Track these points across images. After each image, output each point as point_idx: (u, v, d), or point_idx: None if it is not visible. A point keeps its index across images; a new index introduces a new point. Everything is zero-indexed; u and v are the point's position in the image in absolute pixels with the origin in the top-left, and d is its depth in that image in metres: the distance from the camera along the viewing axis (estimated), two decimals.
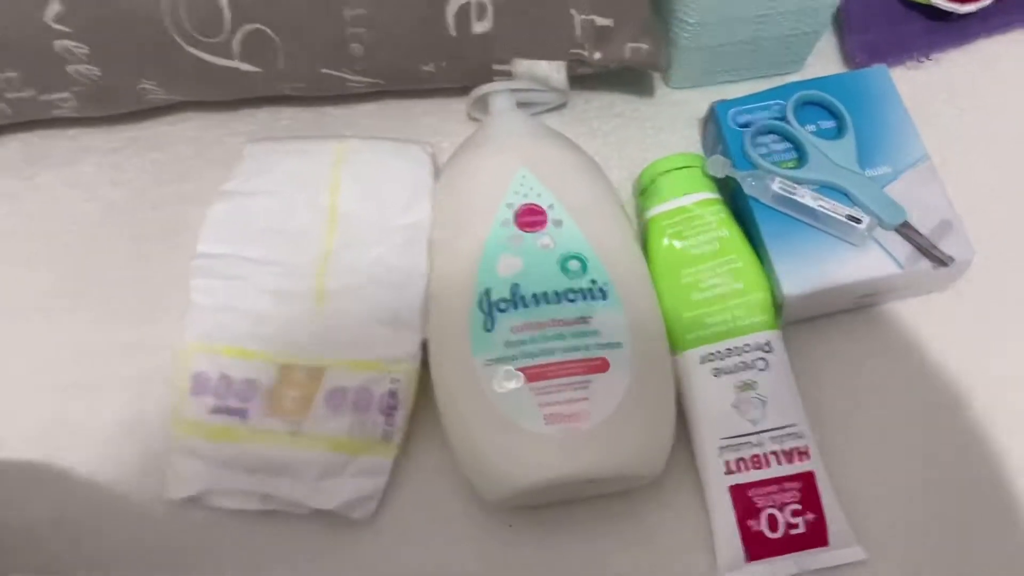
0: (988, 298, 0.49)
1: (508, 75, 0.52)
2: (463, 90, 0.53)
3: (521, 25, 0.49)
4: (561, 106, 0.55)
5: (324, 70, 0.50)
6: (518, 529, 0.45)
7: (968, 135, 0.54)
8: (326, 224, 0.48)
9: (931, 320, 0.49)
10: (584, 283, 0.44)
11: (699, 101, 0.55)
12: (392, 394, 0.45)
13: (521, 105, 0.52)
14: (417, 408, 0.46)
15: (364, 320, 0.46)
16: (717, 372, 0.45)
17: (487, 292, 0.44)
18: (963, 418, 0.47)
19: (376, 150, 0.50)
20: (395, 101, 0.56)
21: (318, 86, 0.52)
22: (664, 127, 0.56)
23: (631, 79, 0.56)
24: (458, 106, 0.55)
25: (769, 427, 0.44)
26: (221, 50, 0.48)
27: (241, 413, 0.44)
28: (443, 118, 0.56)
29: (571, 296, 0.44)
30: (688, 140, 0.55)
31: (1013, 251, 0.51)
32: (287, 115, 0.56)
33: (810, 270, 0.46)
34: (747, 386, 0.45)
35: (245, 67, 0.50)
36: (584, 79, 0.54)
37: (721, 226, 0.48)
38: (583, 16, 0.49)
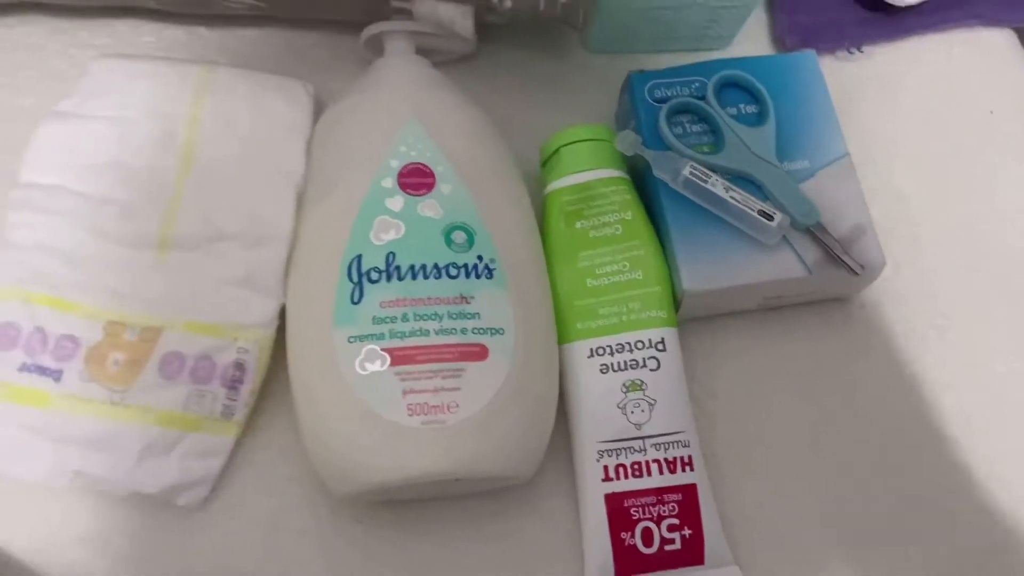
0: (895, 309, 0.47)
1: (408, 15, 0.46)
2: (360, 25, 0.47)
3: None
4: (465, 57, 0.50)
5: None
6: (369, 527, 0.40)
7: (891, 136, 0.51)
8: (179, 163, 0.42)
9: (834, 327, 0.46)
10: (469, 258, 0.39)
11: (617, 69, 0.50)
12: (239, 365, 0.39)
13: (420, 51, 0.47)
14: (270, 382, 0.41)
15: (213, 277, 0.40)
16: (605, 368, 0.41)
17: (358, 259, 0.39)
18: (859, 436, 0.44)
19: (248, 82, 0.44)
20: (281, 29, 0.50)
21: (186, 2, 0.45)
22: (577, 94, 0.51)
23: (546, 36, 0.51)
24: (353, 43, 0.48)
25: (654, 432, 0.40)
26: None
27: (55, 375, 0.38)
28: (334, 54, 0.50)
29: (453, 271, 0.39)
30: (601, 110, 0.50)
31: (925, 261, 0.48)
32: (150, 31, 0.48)
33: (713, 266, 0.42)
34: (635, 386, 0.41)
35: None
36: (494, 30, 0.48)
37: (625, 208, 0.44)
38: None
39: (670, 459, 0.40)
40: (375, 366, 0.37)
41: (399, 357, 0.37)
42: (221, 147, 0.42)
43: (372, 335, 0.37)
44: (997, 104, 0.53)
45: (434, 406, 0.36)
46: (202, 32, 0.48)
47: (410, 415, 0.36)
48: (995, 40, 0.55)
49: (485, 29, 0.47)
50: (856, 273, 0.42)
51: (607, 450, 0.40)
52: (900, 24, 0.53)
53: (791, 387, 0.45)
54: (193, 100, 0.43)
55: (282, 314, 0.40)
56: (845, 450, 0.44)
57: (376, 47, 0.47)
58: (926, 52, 0.54)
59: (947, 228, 0.49)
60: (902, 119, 0.52)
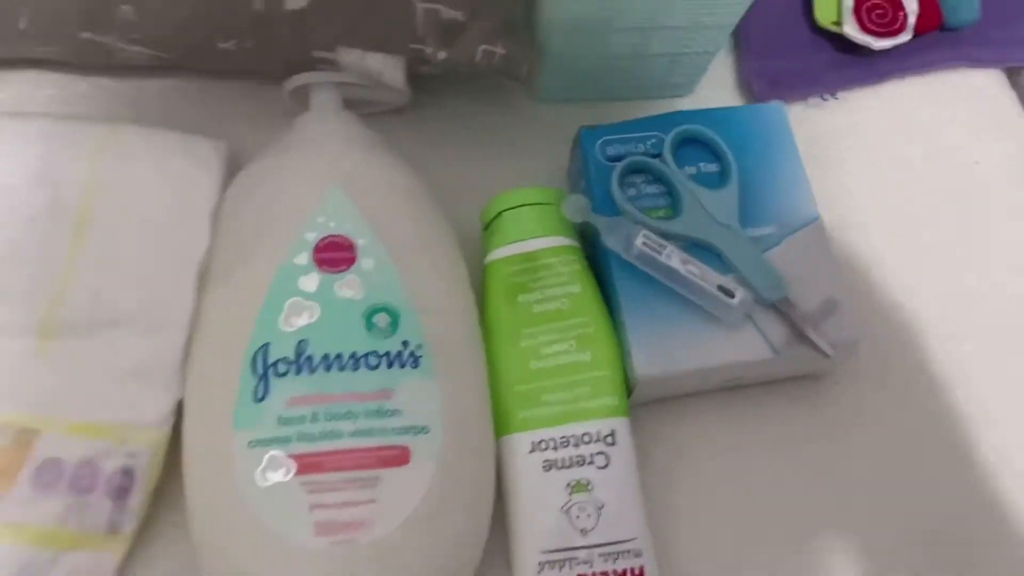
0: (874, 385, 0.43)
1: (333, 65, 0.41)
2: (288, 72, 0.43)
3: (347, 6, 0.39)
4: (399, 109, 0.45)
5: (85, 35, 0.39)
6: None
7: (867, 192, 0.47)
8: (69, 237, 0.37)
9: (807, 406, 0.42)
10: (392, 344, 0.35)
11: (570, 119, 0.45)
12: (127, 472, 0.34)
13: (349, 103, 0.42)
14: (167, 485, 0.36)
15: (100, 369, 0.35)
16: (548, 465, 0.37)
17: (265, 348, 0.34)
18: (838, 525, 0.40)
19: (152, 143, 0.39)
20: (198, 80, 0.45)
21: (80, 53, 0.40)
22: (527, 148, 0.46)
23: (490, 84, 0.46)
24: (279, 92, 0.44)
25: (602, 541, 0.36)
26: None
27: None
28: (257, 106, 0.45)
29: (373, 361, 0.34)
30: (553, 166, 0.46)
31: (906, 331, 0.44)
32: (52, 84, 0.44)
33: (669, 346, 0.38)
34: (581, 486, 0.36)
35: None
36: (430, 79, 0.44)
37: (574, 280, 0.39)
38: (425, 4, 0.39)
39: (619, 571, 0.36)
40: (278, 476, 0.32)
41: (306, 465, 0.32)
42: (118, 219, 0.38)
43: (276, 439, 0.33)
44: (983, 154, 0.49)
45: (345, 524, 0.32)
46: (108, 84, 0.44)
47: (316, 535, 0.32)
48: (982, 83, 0.51)
49: (421, 78, 0.43)
50: (827, 355, 0.38)
51: (549, 561, 0.36)
52: (876, 67, 0.49)
53: (760, 474, 0.40)
54: (90, 165, 0.38)
55: (180, 409, 0.35)
56: (824, 542, 0.39)
57: (302, 99, 0.42)
58: (906, 97, 0.50)
59: (931, 294, 0.45)
60: (879, 173, 0.48)
